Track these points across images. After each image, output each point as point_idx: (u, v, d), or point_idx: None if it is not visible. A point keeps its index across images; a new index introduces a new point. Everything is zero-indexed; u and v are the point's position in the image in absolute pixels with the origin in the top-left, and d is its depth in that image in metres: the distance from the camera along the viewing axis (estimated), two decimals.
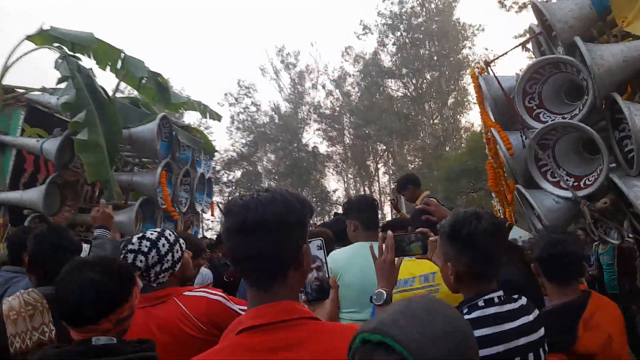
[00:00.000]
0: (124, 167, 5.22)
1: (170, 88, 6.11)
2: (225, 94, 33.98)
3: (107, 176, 3.72)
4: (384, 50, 31.69)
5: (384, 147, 32.63)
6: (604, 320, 1.74)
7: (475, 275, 1.46)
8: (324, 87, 34.54)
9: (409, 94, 31.50)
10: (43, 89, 4.58)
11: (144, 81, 5.36)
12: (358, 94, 32.72)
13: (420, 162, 31.21)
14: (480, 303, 1.42)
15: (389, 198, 3.89)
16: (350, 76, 33.48)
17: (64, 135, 4.02)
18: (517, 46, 3.76)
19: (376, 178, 34.80)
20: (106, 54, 5.33)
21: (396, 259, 1.66)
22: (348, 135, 33.80)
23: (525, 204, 3.80)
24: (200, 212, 6.01)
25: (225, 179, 34.30)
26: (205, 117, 7.39)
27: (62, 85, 4.26)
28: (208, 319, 1.69)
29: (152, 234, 1.89)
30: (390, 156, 32.89)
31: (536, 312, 1.47)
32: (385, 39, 31.21)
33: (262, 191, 1.10)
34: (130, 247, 1.85)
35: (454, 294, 1.66)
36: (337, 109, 33.80)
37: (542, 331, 1.44)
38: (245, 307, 1.78)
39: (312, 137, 34.85)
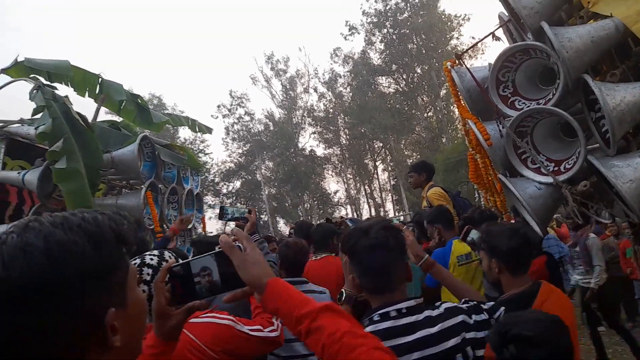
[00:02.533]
0: (112, 191, 5.22)
1: (162, 106, 6.09)
2: (218, 106, 34.10)
3: (88, 203, 3.72)
4: (372, 48, 31.76)
5: (381, 145, 32.62)
6: (553, 307, 1.77)
7: (368, 289, 1.47)
8: (315, 90, 34.63)
9: (400, 89, 31.51)
10: (21, 121, 4.59)
11: (123, 104, 5.37)
12: (350, 94, 32.74)
13: (417, 156, 31.18)
14: (376, 317, 1.41)
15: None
16: (340, 77, 33.55)
17: (44, 166, 4.02)
18: (486, 36, 3.74)
19: (375, 176, 34.79)
20: (83, 81, 5.35)
21: None
22: (344, 136, 33.81)
23: (509, 193, 3.77)
24: (191, 228, 6.01)
25: (225, 191, 34.35)
26: (195, 131, 7.43)
27: (39, 116, 4.27)
28: (218, 346, 1.56)
29: (152, 259, 1.67)
30: (387, 153, 32.86)
31: (449, 322, 1.41)
32: (372, 37, 31.27)
33: (13, 231, 0.67)
34: None
35: None
36: (331, 110, 33.82)
37: (451, 342, 1.37)
38: (256, 327, 1.67)
39: (309, 141, 34.87)
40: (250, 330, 1.65)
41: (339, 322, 0.94)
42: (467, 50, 3.80)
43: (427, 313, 1.42)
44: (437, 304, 1.50)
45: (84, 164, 3.96)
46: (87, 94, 5.26)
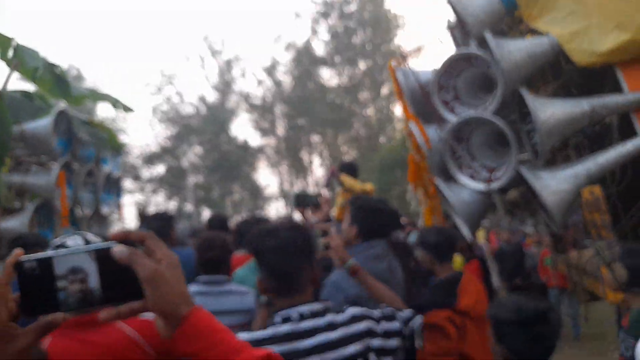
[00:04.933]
0: (18, 167, 4.65)
1: (82, 78, 5.56)
2: (146, 84, 32.21)
3: None
4: (316, 38, 31.61)
5: (318, 139, 32.67)
6: (472, 288, 2.46)
7: (274, 291, 1.45)
8: (254, 75, 33.78)
9: (342, 83, 31.71)
10: None
11: (39, 72, 4.81)
12: (291, 82, 32.35)
13: (355, 153, 31.60)
14: (277, 320, 1.40)
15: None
16: (281, 65, 33.02)
17: None
18: (432, 39, 3.76)
19: (311, 170, 34.83)
20: None
21: None
22: (281, 126, 33.41)
23: (443, 197, 3.84)
24: (107, 214, 5.51)
25: (147, 175, 32.65)
26: (116, 109, 6.92)
27: None
28: (161, 345, 1.40)
29: (73, 240, 1.46)
30: (324, 147, 33.01)
31: (352, 329, 1.41)
32: (317, 26, 31.13)
33: None
34: None
35: None
36: (269, 98, 33.25)
37: (352, 348, 1.38)
38: None
39: (243, 128, 33.99)
40: None
41: None
42: (412, 51, 3.81)
43: (329, 318, 1.41)
44: (344, 308, 1.49)
45: None
46: None
